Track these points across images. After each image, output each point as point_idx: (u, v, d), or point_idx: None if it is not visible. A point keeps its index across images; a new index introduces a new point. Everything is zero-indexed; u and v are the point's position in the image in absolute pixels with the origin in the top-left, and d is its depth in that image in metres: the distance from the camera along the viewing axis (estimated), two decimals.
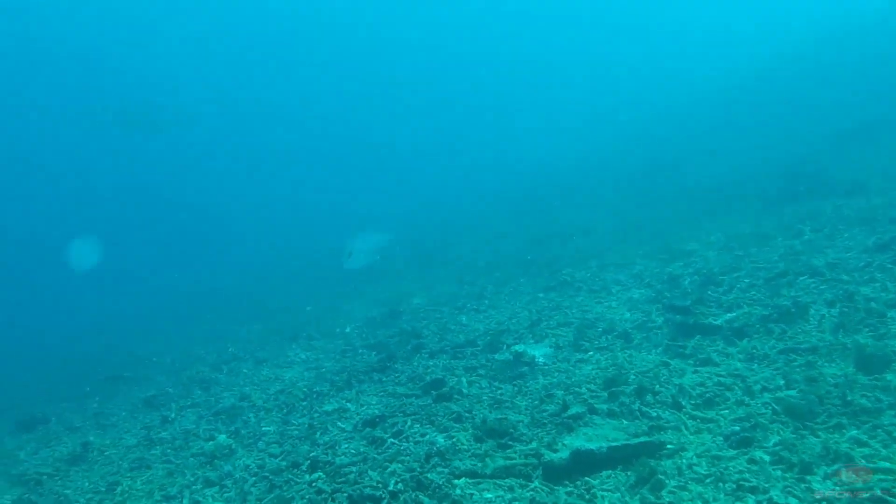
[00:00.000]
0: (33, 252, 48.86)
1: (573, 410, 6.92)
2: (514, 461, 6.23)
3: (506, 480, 5.98)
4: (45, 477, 10.14)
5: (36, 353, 24.72)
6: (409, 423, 7.85)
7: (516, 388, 8.09)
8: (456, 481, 6.12)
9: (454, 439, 7.02)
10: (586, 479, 5.56)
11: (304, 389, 10.71)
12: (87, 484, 9.42)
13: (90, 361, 19.85)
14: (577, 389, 7.49)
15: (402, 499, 6.01)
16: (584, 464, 5.75)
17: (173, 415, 11.49)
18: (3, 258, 47.81)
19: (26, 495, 9.55)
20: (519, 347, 9.09)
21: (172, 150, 60.22)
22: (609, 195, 21.98)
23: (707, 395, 6.53)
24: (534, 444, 6.45)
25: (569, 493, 5.40)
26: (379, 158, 61.28)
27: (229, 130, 67.92)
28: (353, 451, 7.59)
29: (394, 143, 64.34)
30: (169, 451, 9.75)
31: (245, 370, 13.36)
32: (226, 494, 7.72)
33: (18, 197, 57.21)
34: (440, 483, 6.09)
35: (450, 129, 63.43)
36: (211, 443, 9.31)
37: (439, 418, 7.73)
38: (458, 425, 7.43)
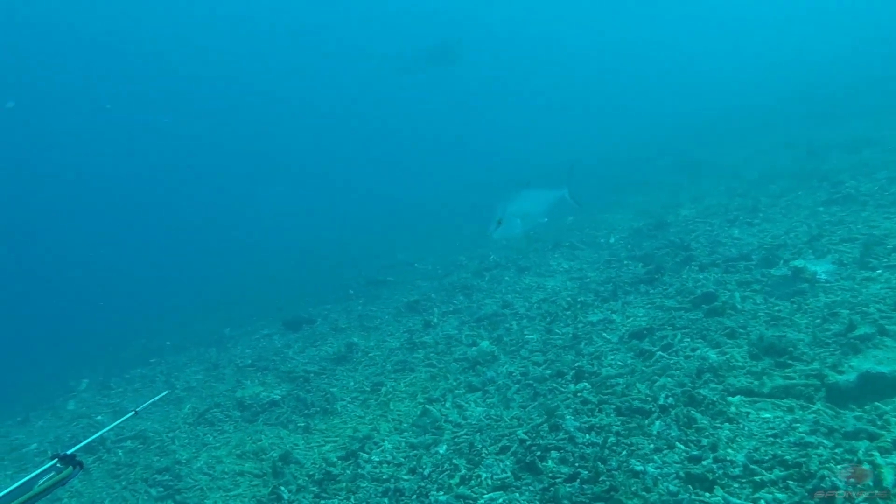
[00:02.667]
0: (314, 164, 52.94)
1: (860, 331, 6.78)
2: (793, 381, 6.25)
3: (784, 401, 6.03)
4: (312, 374, 11.21)
5: (300, 258, 26.71)
6: (678, 337, 8.00)
7: (795, 306, 8.00)
8: (730, 398, 6.25)
9: (727, 355, 7.12)
10: (876, 404, 5.49)
11: (568, 299, 11.05)
12: (352, 383, 10.34)
13: (353, 266, 21.28)
14: (864, 309, 7.32)
15: (672, 413, 6.22)
16: (874, 388, 5.68)
17: (436, 320, 12.24)
18: (292, 164, 52.03)
19: (295, 391, 10.62)
20: (798, 263, 8.89)
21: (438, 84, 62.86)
22: (893, 105, 20.51)
23: None
24: (816, 365, 6.43)
25: (857, 418, 5.36)
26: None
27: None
28: (619, 363, 7.88)
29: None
30: (432, 355, 10.47)
31: (507, 278, 13.88)
32: (488, 400, 8.26)
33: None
34: (714, 399, 6.24)
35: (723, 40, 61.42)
36: (474, 348, 9.91)
37: (711, 333, 7.83)
38: (731, 341, 7.51)
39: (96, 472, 9.81)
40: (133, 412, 4.23)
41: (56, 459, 3.23)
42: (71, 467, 3.23)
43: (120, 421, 4.24)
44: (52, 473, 3.18)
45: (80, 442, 3.65)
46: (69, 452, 3.28)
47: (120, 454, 10.12)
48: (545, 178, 12.08)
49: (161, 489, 8.58)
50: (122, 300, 27.95)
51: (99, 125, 55.59)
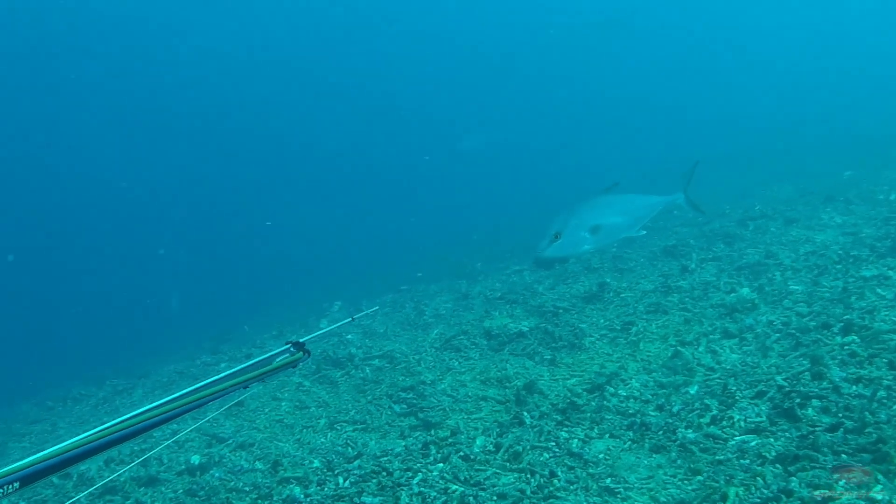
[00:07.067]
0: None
1: None
2: None
3: None
4: (561, 310, 11.31)
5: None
6: None
7: None
8: None
9: None
10: None
11: (839, 252, 10.43)
12: (602, 321, 10.37)
13: None
14: None
15: None
16: None
17: (693, 265, 11.97)
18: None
19: (543, 324, 10.77)
20: None
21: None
22: None
23: None
24: None
25: None
26: None
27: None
28: (893, 319, 7.42)
29: None
30: (687, 299, 10.29)
31: (773, 229, 13.32)
32: (745, 347, 8.04)
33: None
34: None
35: None
36: (732, 295, 9.64)
37: None
38: None
39: (343, 385, 10.49)
40: (350, 318, 4.66)
41: (289, 344, 3.80)
42: (301, 353, 3.77)
43: (338, 325, 4.83)
44: (286, 356, 3.73)
45: (319, 342, 4.03)
46: (301, 340, 3.84)
47: (367, 371, 10.68)
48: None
49: (404, 406, 8.98)
50: (380, 242, 29.93)
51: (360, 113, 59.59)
